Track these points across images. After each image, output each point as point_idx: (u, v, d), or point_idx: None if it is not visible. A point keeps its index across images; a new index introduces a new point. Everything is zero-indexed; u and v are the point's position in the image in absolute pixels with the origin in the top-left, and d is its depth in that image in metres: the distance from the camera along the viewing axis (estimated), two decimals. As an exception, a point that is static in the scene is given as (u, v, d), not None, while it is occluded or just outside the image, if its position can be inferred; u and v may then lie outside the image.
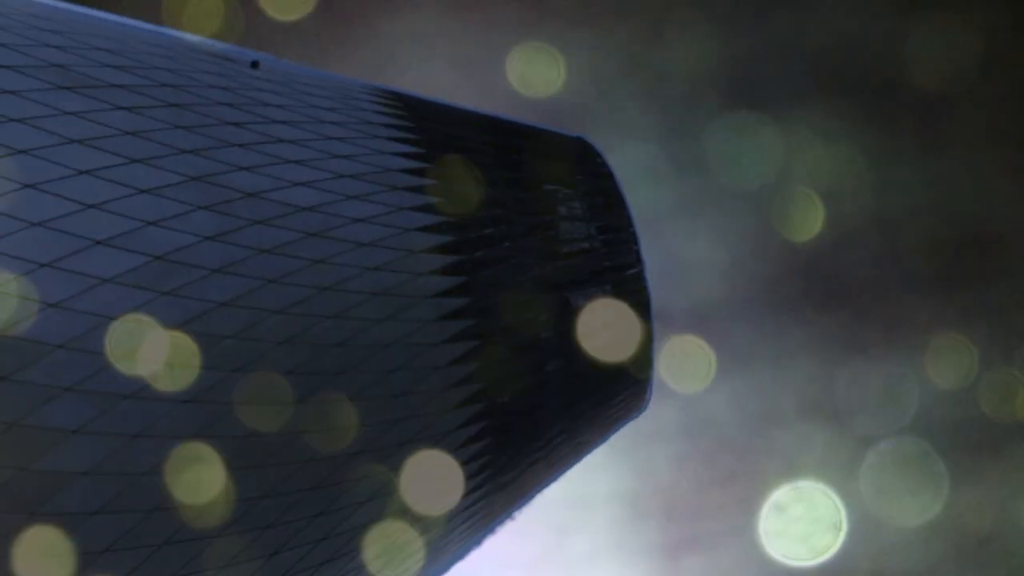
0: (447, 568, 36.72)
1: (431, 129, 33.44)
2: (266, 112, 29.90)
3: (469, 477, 32.52)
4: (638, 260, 36.45)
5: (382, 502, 30.20)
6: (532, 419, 33.77)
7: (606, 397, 36.75)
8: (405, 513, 31.08)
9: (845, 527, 52.50)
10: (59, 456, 23.55)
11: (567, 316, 34.14)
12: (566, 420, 35.36)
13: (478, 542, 36.98)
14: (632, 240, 36.51)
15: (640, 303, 36.38)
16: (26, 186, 24.05)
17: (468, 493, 33.01)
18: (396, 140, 31.96)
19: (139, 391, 24.37)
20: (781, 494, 53.43)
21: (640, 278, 36.41)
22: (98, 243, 24.50)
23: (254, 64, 31.76)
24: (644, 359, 37.14)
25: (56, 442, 23.45)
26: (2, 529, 23.06)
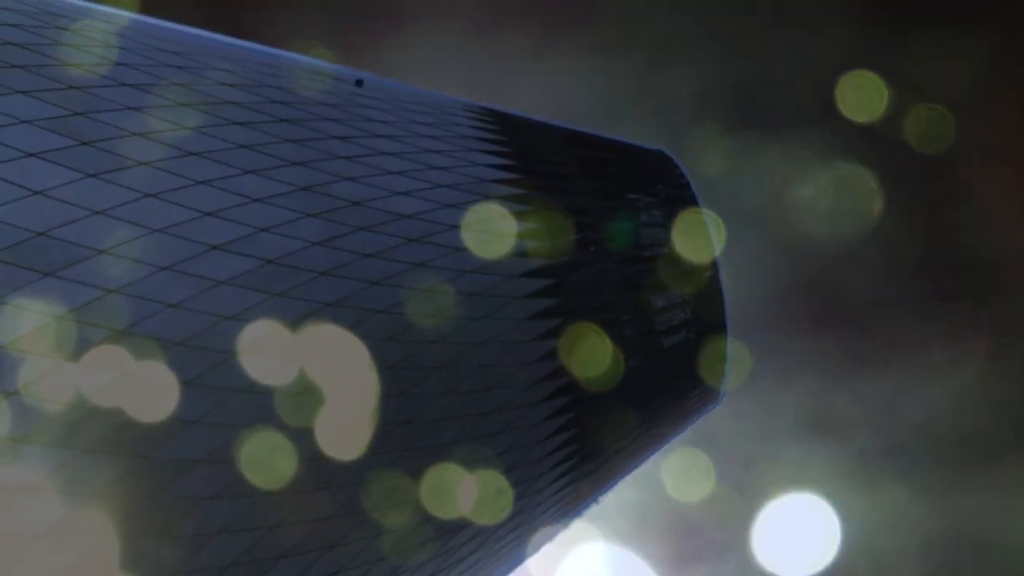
0: (541, 546, 36.55)
1: (521, 142, 33.21)
2: (370, 127, 29.68)
3: (556, 465, 32.32)
4: (714, 264, 36.08)
5: (478, 486, 30.00)
6: (615, 411, 33.42)
7: (683, 391, 36.35)
8: (500, 495, 30.92)
9: (841, 537, 51.47)
10: (179, 445, 23.36)
11: (647, 315, 33.84)
12: (646, 412, 35.03)
13: (566, 524, 36.84)
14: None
15: (715, 303, 36.02)
16: (147, 195, 23.87)
17: (555, 480, 32.79)
18: (489, 153, 31.76)
19: (252, 385, 24.17)
20: (781, 505, 52.45)
21: (715, 280, 36.05)
22: (214, 248, 24.29)
23: (358, 82, 31.65)
24: (718, 356, 36.82)
25: (176, 432, 23.28)
26: (127, 511, 22.92)
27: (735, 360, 37.21)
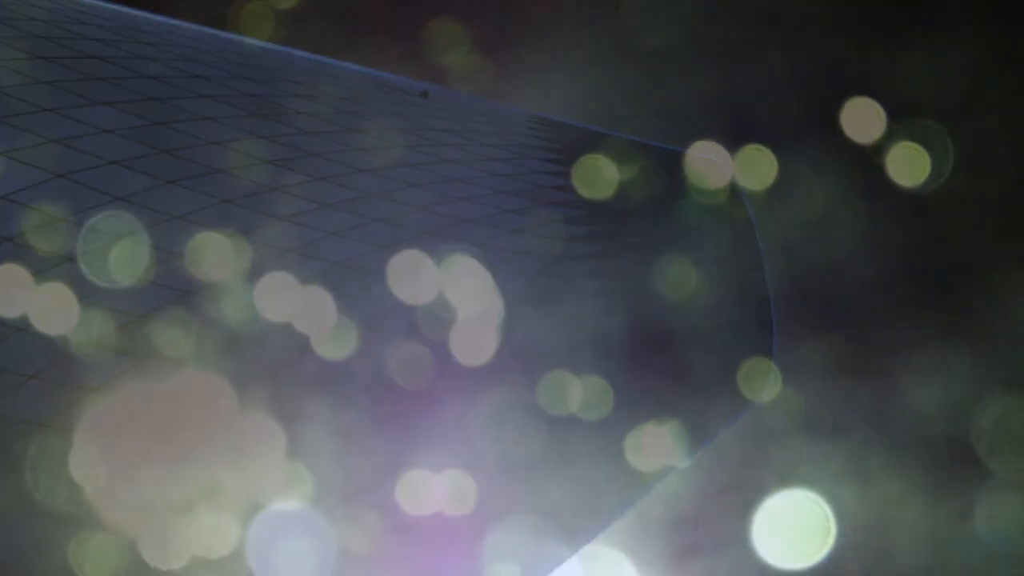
0: (595, 534, 36.18)
1: (579, 150, 32.76)
2: (434, 136, 29.30)
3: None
4: (760, 266, 35.53)
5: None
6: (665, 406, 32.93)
7: (729, 386, 35.80)
8: (554, 488, 30.52)
9: (834, 534, 50.71)
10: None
11: (697, 316, 33.28)
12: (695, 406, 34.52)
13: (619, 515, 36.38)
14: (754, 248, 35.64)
15: (761, 302, 35.45)
16: (223, 201, 23.54)
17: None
18: (549, 160, 31.28)
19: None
20: (775, 503, 51.66)
21: (762, 279, 35.48)
22: (285, 251, 23.92)
23: (424, 93, 31.35)
24: (765, 350, 36.29)
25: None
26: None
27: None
